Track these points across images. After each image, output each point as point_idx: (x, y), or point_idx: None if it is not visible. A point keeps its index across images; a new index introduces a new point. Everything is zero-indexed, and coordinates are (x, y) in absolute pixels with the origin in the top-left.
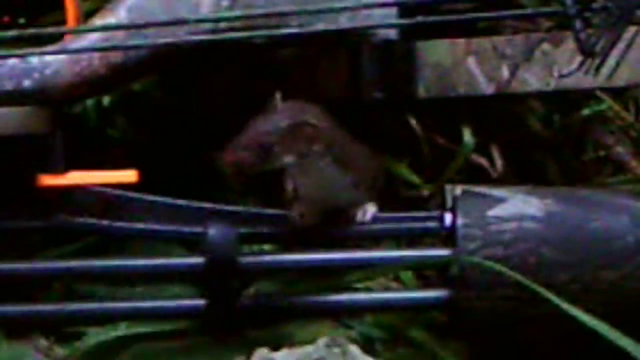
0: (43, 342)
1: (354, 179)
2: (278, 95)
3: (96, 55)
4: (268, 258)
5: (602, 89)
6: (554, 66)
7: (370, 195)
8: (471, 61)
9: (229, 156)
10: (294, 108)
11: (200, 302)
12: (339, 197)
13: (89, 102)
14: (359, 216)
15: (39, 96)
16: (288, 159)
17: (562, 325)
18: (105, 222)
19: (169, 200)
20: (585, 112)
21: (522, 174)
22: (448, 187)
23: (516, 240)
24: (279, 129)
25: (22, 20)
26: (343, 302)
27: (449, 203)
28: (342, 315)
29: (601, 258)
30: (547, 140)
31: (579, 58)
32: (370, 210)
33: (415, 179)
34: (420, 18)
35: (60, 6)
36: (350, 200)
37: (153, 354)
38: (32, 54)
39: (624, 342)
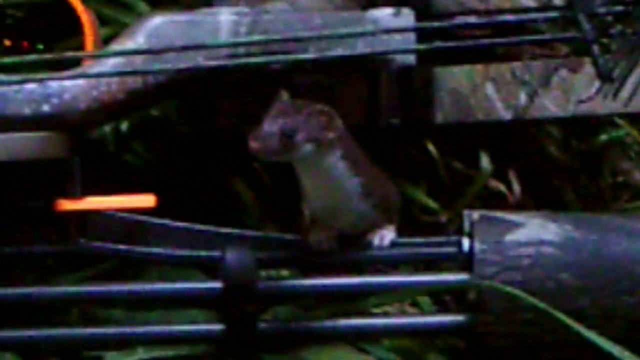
0: None
1: (369, 194)
2: (284, 93)
3: (114, 80)
4: (285, 283)
5: (620, 115)
6: (572, 92)
7: (387, 218)
8: (489, 87)
9: (253, 143)
10: (307, 102)
11: (218, 327)
12: (351, 208)
13: (107, 127)
14: (377, 241)
15: (58, 121)
16: (308, 147)
17: (580, 352)
18: (123, 247)
19: (186, 225)
20: (603, 137)
21: (540, 200)
22: (466, 212)
23: (534, 266)
24: (299, 116)
25: (40, 46)
26: (360, 327)
27: (467, 228)
28: (359, 340)
29: (620, 283)
30: (565, 166)
31: (596, 84)
32: (388, 235)
33: (432, 204)
34: (438, 43)
35: (78, 32)
36: (365, 218)
37: None
38: (51, 78)
39: None
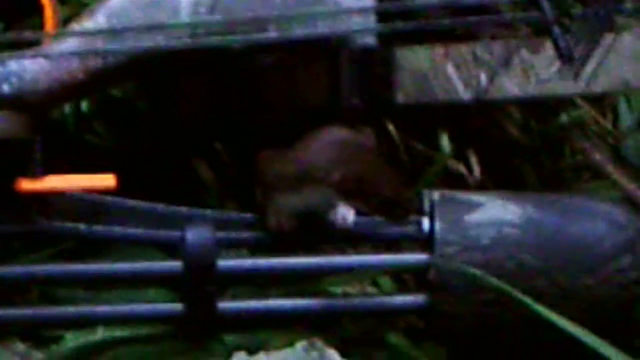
0: (20, 346)
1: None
2: None
3: (75, 60)
4: (246, 263)
5: (580, 96)
6: (532, 73)
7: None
8: (450, 68)
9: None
10: None
11: (178, 306)
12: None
13: (68, 107)
14: (339, 221)
15: (18, 101)
16: None
17: (539, 331)
18: (83, 227)
19: (147, 204)
20: (563, 118)
21: (500, 181)
22: (425, 192)
23: (494, 246)
24: None
25: (0, 25)
26: (320, 306)
27: (427, 208)
28: (319, 319)
29: (579, 263)
30: (525, 147)
31: (557, 65)
32: (349, 214)
33: None
34: (398, 24)
35: (38, 11)
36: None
37: (130, 359)
38: (11, 58)
39: (601, 346)
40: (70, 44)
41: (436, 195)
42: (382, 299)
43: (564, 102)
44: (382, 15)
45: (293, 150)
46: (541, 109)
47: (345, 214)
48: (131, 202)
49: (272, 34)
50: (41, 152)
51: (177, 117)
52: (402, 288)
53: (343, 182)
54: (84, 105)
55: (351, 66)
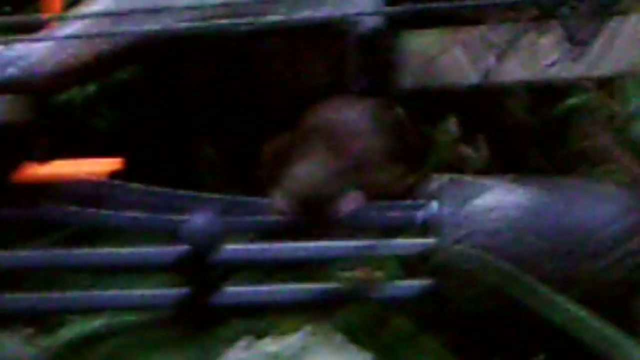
0: (26, 330)
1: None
2: None
3: (81, 43)
4: (251, 248)
5: (587, 79)
6: (539, 56)
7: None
8: (457, 50)
9: None
10: None
11: (184, 291)
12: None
13: (74, 91)
14: (345, 207)
15: (24, 84)
16: None
17: (538, 322)
18: (88, 212)
19: (152, 188)
20: (571, 101)
21: (507, 164)
22: (433, 176)
23: (500, 229)
24: None
25: (7, 9)
26: (326, 292)
27: (434, 192)
28: (325, 305)
29: (586, 248)
30: (532, 130)
31: (564, 47)
32: (355, 201)
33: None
34: (405, 7)
35: None
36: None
37: (134, 344)
38: (17, 41)
39: (606, 329)
40: (77, 27)
41: (443, 179)
42: (388, 284)
43: (571, 86)
44: None
45: (297, 136)
46: (548, 92)
47: (352, 200)
48: (136, 186)
49: (276, 17)
50: (47, 136)
51: (182, 99)
52: (409, 272)
53: (342, 168)
54: (90, 89)
55: (358, 49)
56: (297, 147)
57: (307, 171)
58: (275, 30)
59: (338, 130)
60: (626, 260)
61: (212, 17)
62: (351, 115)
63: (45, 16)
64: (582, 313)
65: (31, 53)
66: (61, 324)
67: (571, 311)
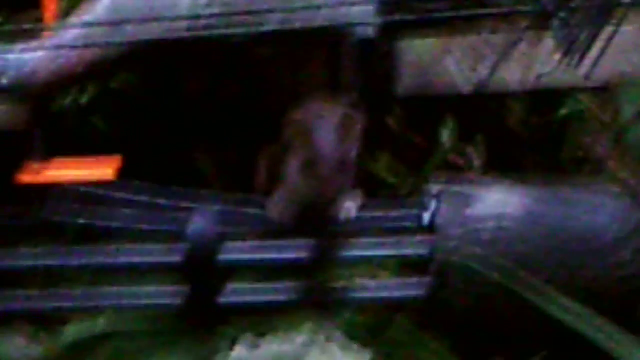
0: (29, 329)
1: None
2: None
3: (74, 52)
4: (251, 249)
5: (581, 89)
6: (533, 65)
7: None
8: (450, 60)
9: None
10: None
11: (185, 289)
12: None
13: (68, 100)
14: (344, 213)
15: (18, 93)
16: None
17: (539, 322)
18: (87, 215)
19: (152, 188)
20: (564, 111)
21: (501, 173)
22: (430, 182)
23: (495, 239)
24: None
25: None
26: (326, 293)
27: (428, 201)
28: (325, 305)
29: (580, 257)
30: (526, 139)
31: (557, 57)
32: (354, 207)
33: (392, 179)
34: (398, 16)
35: (38, 4)
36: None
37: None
38: (11, 49)
39: (599, 336)
40: (70, 36)
41: (438, 188)
42: (385, 287)
43: (564, 96)
44: (383, 8)
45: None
46: (542, 102)
47: (349, 206)
48: (135, 188)
49: (271, 25)
50: (42, 144)
51: (179, 108)
52: (404, 280)
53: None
54: (83, 98)
55: (351, 58)
56: (284, 154)
57: (297, 178)
58: (270, 40)
59: (313, 134)
60: (619, 271)
61: (205, 27)
62: (321, 119)
63: (38, 25)
64: (579, 321)
65: (24, 62)
66: (64, 323)
67: (566, 320)
